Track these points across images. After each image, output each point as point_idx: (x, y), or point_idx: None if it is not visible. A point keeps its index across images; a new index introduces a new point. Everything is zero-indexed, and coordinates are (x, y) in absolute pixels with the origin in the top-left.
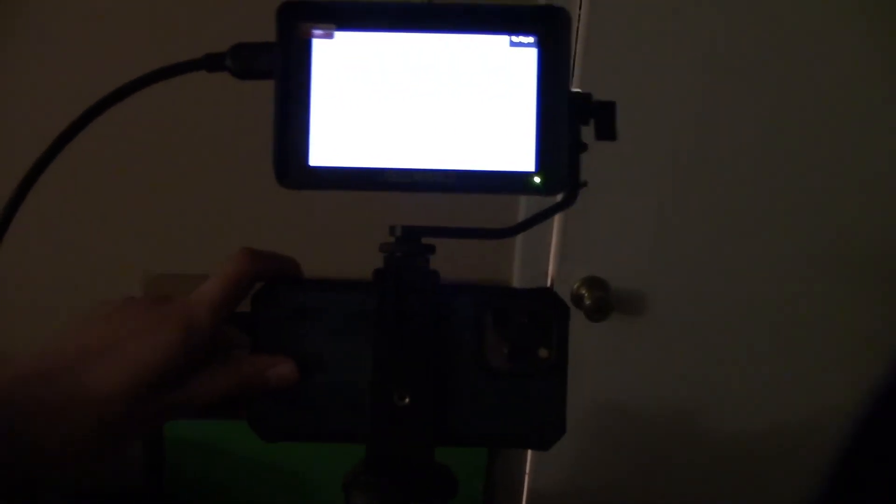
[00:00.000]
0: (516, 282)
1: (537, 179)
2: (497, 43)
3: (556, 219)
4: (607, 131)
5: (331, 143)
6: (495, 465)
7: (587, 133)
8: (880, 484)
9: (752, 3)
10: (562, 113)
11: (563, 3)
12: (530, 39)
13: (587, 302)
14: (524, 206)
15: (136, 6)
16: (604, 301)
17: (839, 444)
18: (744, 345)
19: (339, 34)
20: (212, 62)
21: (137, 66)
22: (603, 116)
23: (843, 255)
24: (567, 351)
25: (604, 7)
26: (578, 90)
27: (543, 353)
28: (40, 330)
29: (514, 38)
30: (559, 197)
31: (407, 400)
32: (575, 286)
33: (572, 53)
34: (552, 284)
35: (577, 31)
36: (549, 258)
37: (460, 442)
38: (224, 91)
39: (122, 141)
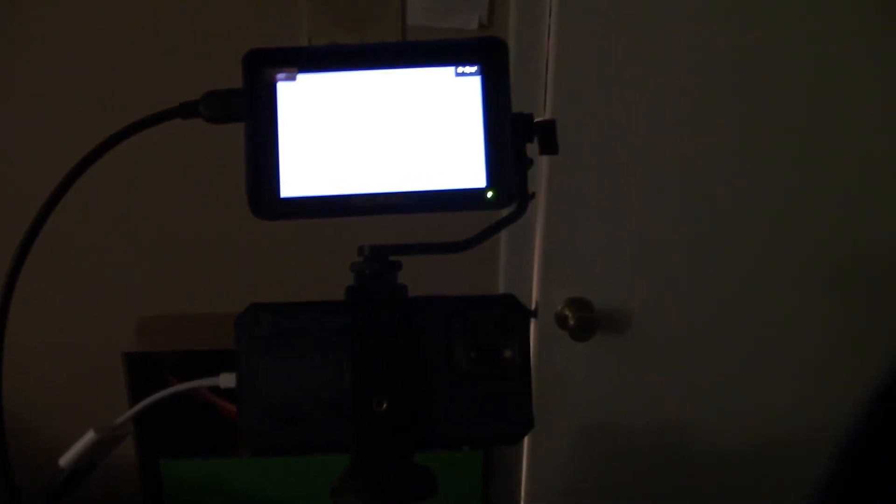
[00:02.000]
0: None
1: (489, 194)
2: (443, 74)
3: (538, 241)
4: (550, 146)
5: (299, 176)
6: (491, 486)
7: (533, 150)
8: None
9: (719, 19)
10: (507, 133)
11: (533, 34)
12: (474, 69)
13: (571, 322)
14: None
15: (110, 56)
16: (588, 321)
17: (833, 447)
18: (729, 358)
19: (301, 76)
20: (186, 110)
21: (113, 118)
22: (545, 133)
23: (828, 266)
24: (529, 350)
25: (572, 33)
26: (521, 111)
27: (508, 354)
28: (37, 376)
29: (459, 69)
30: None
31: (385, 406)
32: (559, 307)
33: (542, 82)
34: (536, 307)
35: (547, 60)
36: (532, 281)
37: (438, 443)
38: (199, 134)
39: (106, 186)
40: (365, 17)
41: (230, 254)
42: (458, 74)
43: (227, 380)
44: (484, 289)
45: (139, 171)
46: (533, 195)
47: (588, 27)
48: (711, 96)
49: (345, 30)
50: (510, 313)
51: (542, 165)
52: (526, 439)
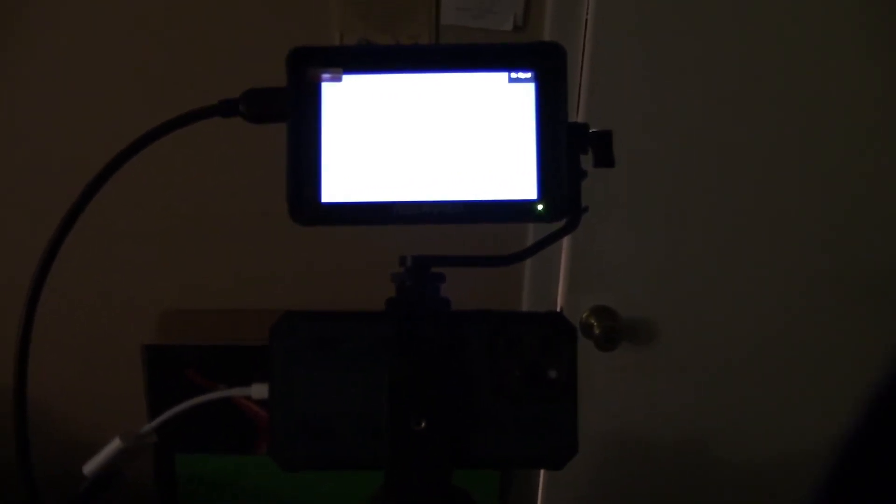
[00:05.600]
0: None
1: (540, 207)
2: (496, 79)
3: (565, 249)
4: (605, 159)
5: (341, 181)
6: (508, 496)
7: (586, 161)
8: (877, 487)
9: (754, 27)
10: (561, 143)
11: (568, 36)
12: (528, 75)
13: (596, 331)
14: (532, 236)
15: (146, 52)
16: (613, 330)
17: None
18: (753, 372)
19: (346, 77)
20: (226, 108)
21: (149, 114)
22: (600, 145)
23: (855, 282)
24: (576, 371)
25: (608, 37)
26: (576, 121)
27: (553, 374)
28: (53, 368)
29: (513, 74)
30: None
31: (423, 424)
32: (584, 315)
33: (576, 85)
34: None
35: (582, 63)
36: (557, 288)
37: (476, 464)
38: (220, 130)
39: (137, 179)
40: (397, 15)
41: (252, 250)
42: (511, 80)
43: (259, 390)
44: (508, 295)
45: (162, 165)
46: (586, 209)
47: (624, 32)
48: (742, 107)
49: (376, 28)
50: (557, 331)
51: None
52: None
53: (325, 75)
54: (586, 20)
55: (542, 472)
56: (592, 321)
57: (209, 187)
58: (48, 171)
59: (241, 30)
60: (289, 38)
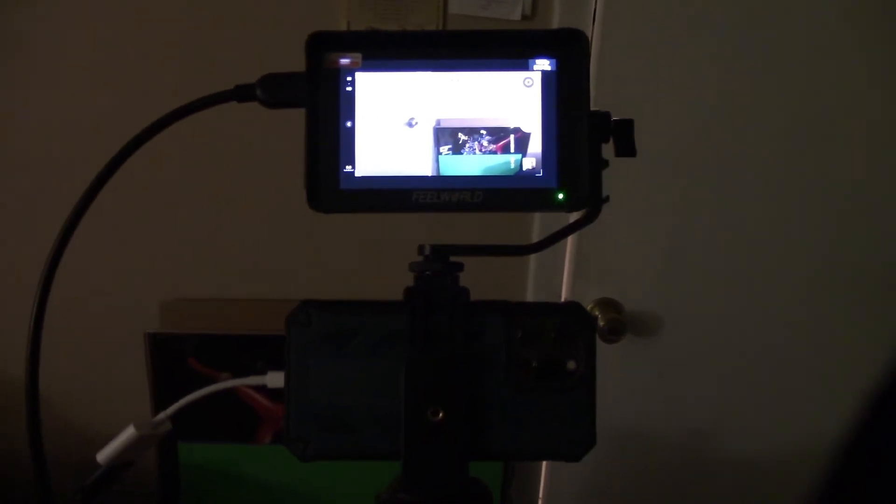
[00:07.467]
0: None
1: (560, 196)
2: (517, 66)
3: (571, 240)
4: (627, 148)
5: (360, 168)
6: (510, 486)
7: (608, 150)
8: (877, 487)
9: (766, 20)
10: (582, 131)
11: (577, 25)
12: (549, 62)
13: (601, 323)
14: (538, 225)
15: (162, 39)
16: (618, 322)
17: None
18: (757, 366)
19: (365, 63)
20: (242, 93)
21: (164, 99)
22: (622, 134)
23: (859, 279)
24: (595, 363)
25: (617, 27)
26: (598, 110)
27: (571, 365)
28: (57, 356)
29: (535, 62)
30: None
31: (440, 416)
32: (588, 307)
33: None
34: None
35: (590, 52)
36: (562, 279)
37: (493, 456)
38: (239, 119)
39: (142, 165)
40: (405, 4)
41: (255, 239)
42: (532, 68)
43: (274, 379)
44: (513, 286)
45: (164, 153)
46: (607, 199)
47: (633, 22)
48: (751, 102)
49: (384, 17)
50: (575, 323)
51: None
52: None
53: (344, 60)
54: (595, 9)
55: (543, 464)
56: (597, 313)
57: (212, 176)
58: (57, 162)
59: (247, 18)
60: (295, 27)
